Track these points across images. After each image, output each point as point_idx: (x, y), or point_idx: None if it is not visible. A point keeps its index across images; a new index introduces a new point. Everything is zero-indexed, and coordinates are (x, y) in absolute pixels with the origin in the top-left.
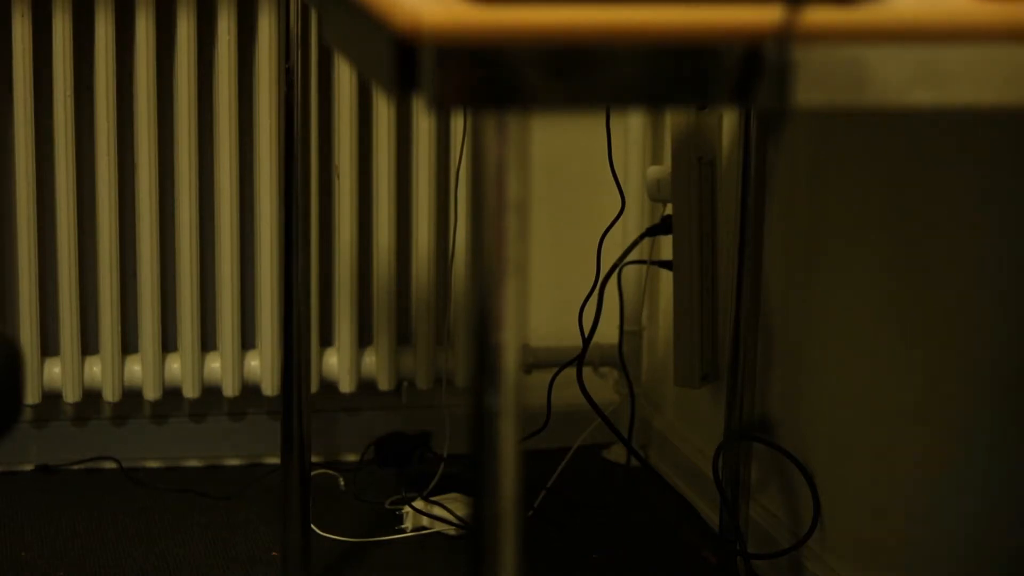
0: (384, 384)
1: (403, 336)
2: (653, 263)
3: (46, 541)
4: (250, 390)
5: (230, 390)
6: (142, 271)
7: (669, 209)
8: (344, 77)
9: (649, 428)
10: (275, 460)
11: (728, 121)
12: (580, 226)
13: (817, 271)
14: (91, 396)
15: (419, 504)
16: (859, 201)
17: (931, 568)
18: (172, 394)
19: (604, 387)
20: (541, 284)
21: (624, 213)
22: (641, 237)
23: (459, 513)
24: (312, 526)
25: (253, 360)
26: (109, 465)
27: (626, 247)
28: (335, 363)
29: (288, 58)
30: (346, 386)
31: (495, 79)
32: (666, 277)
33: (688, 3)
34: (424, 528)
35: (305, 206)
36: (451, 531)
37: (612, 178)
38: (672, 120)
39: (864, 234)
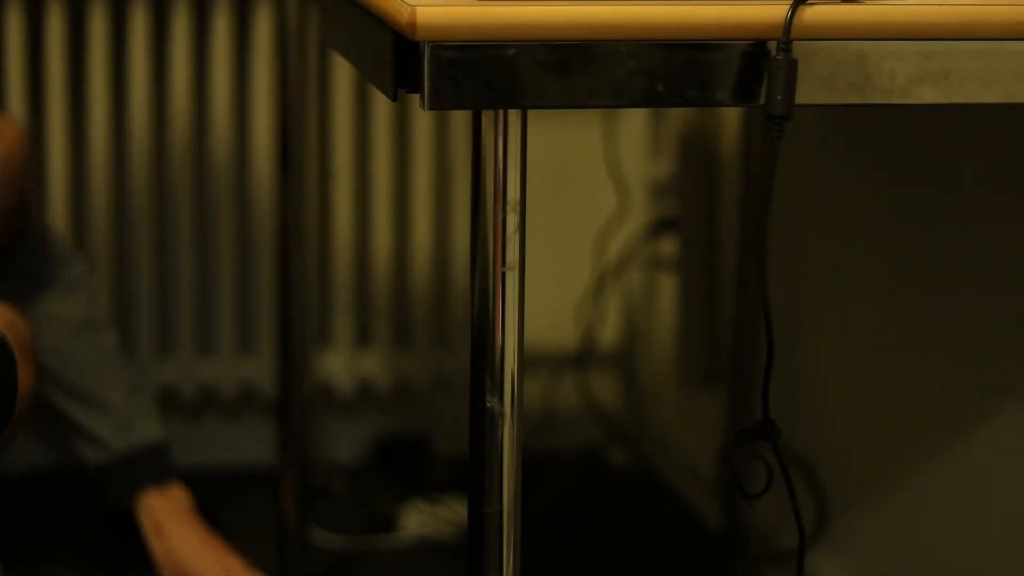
0: (383, 384)
1: (403, 336)
2: (654, 263)
3: (40, 546)
4: (248, 391)
5: (228, 391)
6: (139, 271)
7: (670, 208)
8: (343, 73)
9: (649, 429)
10: (274, 462)
11: (731, 119)
12: (580, 225)
13: (820, 270)
14: None
15: (419, 505)
16: (862, 200)
17: (935, 569)
18: (168, 395)
19: (604, 388)
20: (541, 284)
21: (625, 212)
22: (642, 236)
23: (459, 514)
24: (311, 527)
25: (251, 361)
26: None
27: (627, 246)
28: (334, 363)
29: (286, 55)
30: (345, 386)
31: (494, 77)
32: (666, 277)
33: (691, 1)
34: (423, 529)
35: (303, 206)
36: (451, 532)
37: (613, 177)
38: (674, 118)
39: (868, 233)
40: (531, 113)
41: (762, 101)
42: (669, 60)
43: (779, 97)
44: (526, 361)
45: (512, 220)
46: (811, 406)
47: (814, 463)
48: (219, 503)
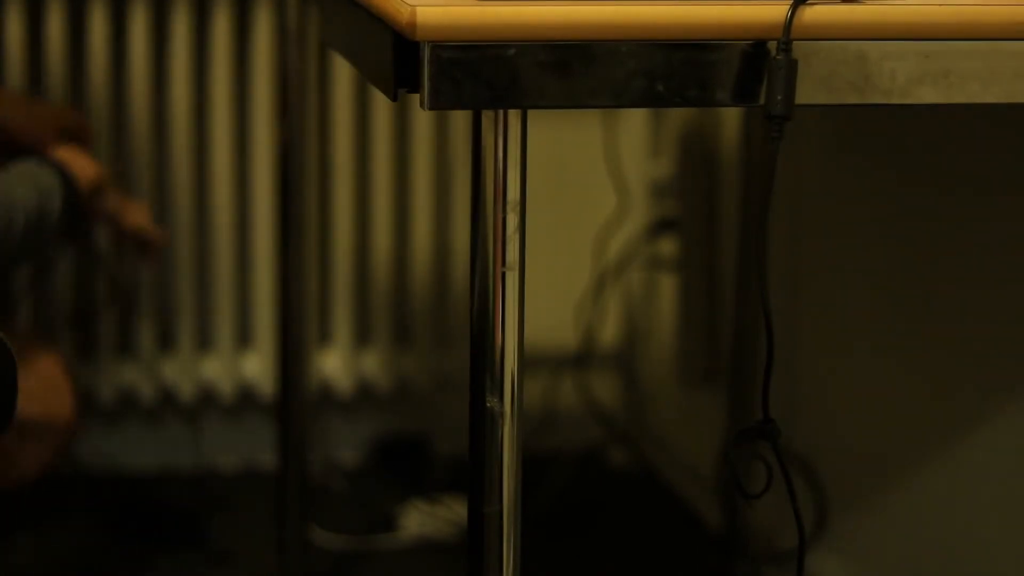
0: (383, 384)
1: (402, 336)
2: (654, 263)
3: (38, 548)
4: (248, 391)
5: (227, 391)
6: (138, 270)
7: (670, 208)
8: (343, 73)
9: (649, 429)
10: (274, 462)
11: (731, 119)
12: (580, 225)
13: (820, 270)
14: (86, 397)
15: (419, 505)
16: (862, 200)
17: (935, 569)
18: (168, 395)
19: (604, 387)
20: (541, 283)
21: (625, 212)
22: (642, 236)
23: (459, 514)
24: (311, 528)
25: (251, 361)
26: (103, 468)
27: (627, 246)
28: (334, 363)
29: (286, 55)
30: (345, 386)
31: (494, 77)
32: (666, 277)
33: (690, 1)
34: (423, 529)
35: (303, 206)
36: (451, 533)
37: (613, 177)
38: (674, 118)
39: (868, 233)
40: (531, 113)
41: (762, 101)
42: (669, 60)
43: (779, 97)
44: (526, 361)
45: (512, 220)
46: (811, 406)
47: (814, 463)
48: (219, 503)
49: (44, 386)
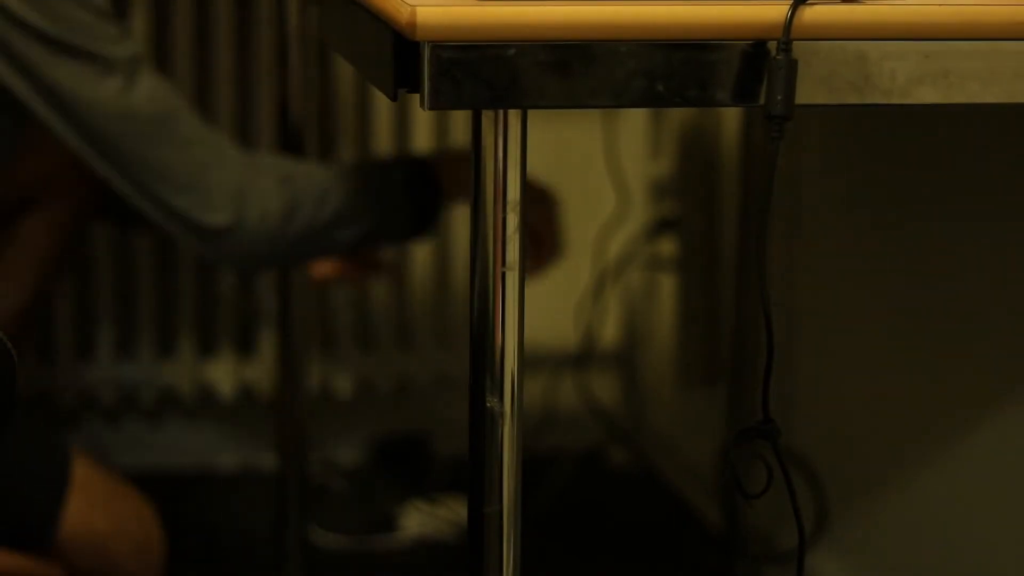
0: (383, 384)
1: (403, 337)
2: (654, 263)
3: None
4: (248, 392)
5: (227, 391)
6: (140, 271)
7: (670, 208)
8: (343, 73)
9: (649, 429)
10: (274, 462)
11: (731, 119)
12: (580, 225)
13: (820, 270)
14: (87, 397)
15: (419, 505)
16: (862, 200)
17: (935, 569)
18: (169, 396)
19: (604, 388)
20: (541, 283)
21: (625, 212)
22: (642, 236)
23: (459, 515)
24: (311, 528)
25: (251, 361)
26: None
27: (627, 246)
28: (334, 363)
29: (286, 55)
30: (346, 386)
31: (494, 77)
32: (666, 277)
33: (691, 1)
34: (423, 529)
35: None
36: (451, 532)
37: (613, 177)
38: (674, 119)
39: (867, 233)
40: (531, 113)
41: (762, 101)
42: (669, 60)
43: (779, 97)
44: (526, 361)
45: (512, 220)
46: (811, 406)
47: (814, 463)
48: (219, 503)
49: (136, 523)
